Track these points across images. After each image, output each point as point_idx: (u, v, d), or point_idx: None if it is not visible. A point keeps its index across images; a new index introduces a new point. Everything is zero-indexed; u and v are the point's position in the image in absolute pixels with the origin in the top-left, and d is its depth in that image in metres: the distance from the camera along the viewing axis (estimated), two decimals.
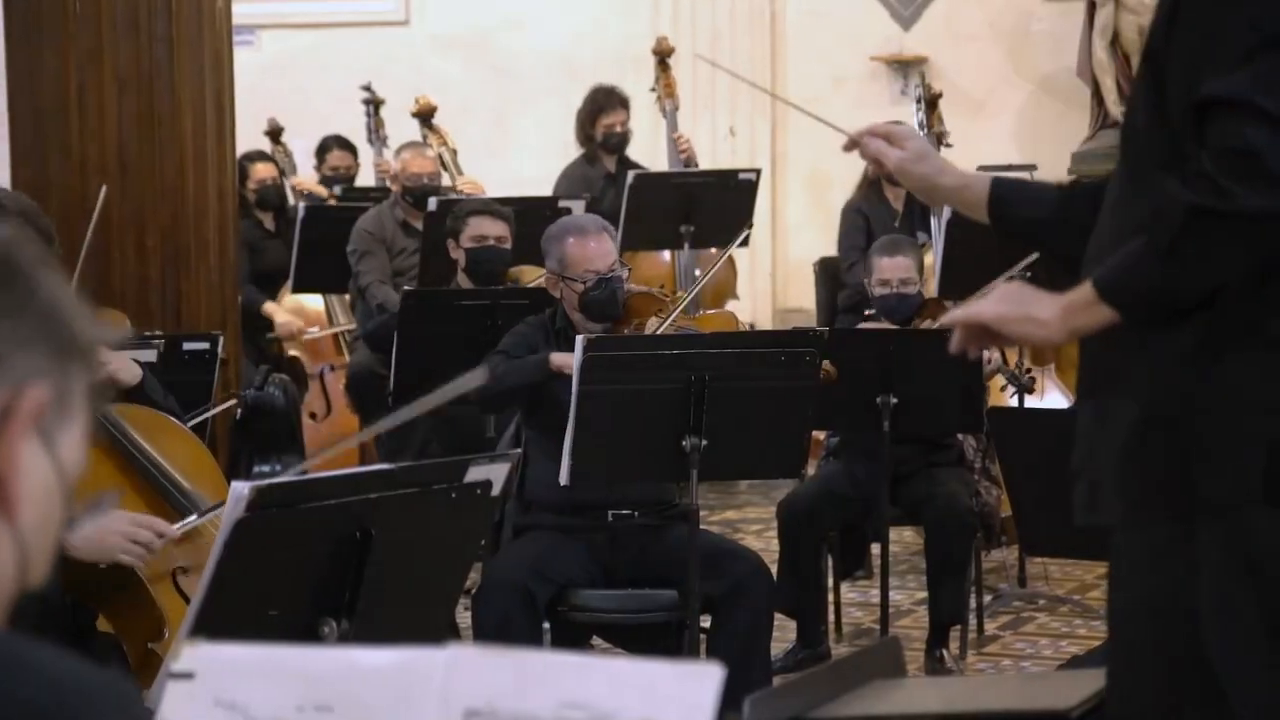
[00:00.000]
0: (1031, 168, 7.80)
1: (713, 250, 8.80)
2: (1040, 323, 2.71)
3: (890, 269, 6.34)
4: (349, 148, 10.21)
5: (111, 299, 6.50)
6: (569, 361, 4.91)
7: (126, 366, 3.83)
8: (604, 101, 8.89)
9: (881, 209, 8.09)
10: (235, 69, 6.88)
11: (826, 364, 5.18)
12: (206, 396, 5.05)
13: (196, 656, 1.63)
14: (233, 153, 6.88)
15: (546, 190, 8.78)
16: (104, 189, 6.22)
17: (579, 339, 4.86)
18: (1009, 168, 8.08)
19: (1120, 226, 2.73)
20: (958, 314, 2.85)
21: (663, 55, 9.34)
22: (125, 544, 3.53)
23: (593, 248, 5.39)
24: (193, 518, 3.64)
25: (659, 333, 5.52)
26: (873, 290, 6.41)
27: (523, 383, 5.24)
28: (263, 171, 9.38)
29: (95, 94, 6.52)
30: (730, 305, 9.06)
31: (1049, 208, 3.00)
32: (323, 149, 10.23)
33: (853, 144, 3.12)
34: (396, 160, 8.29)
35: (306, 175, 10.30)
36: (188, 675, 1.62)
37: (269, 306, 8.85)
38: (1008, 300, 2.77)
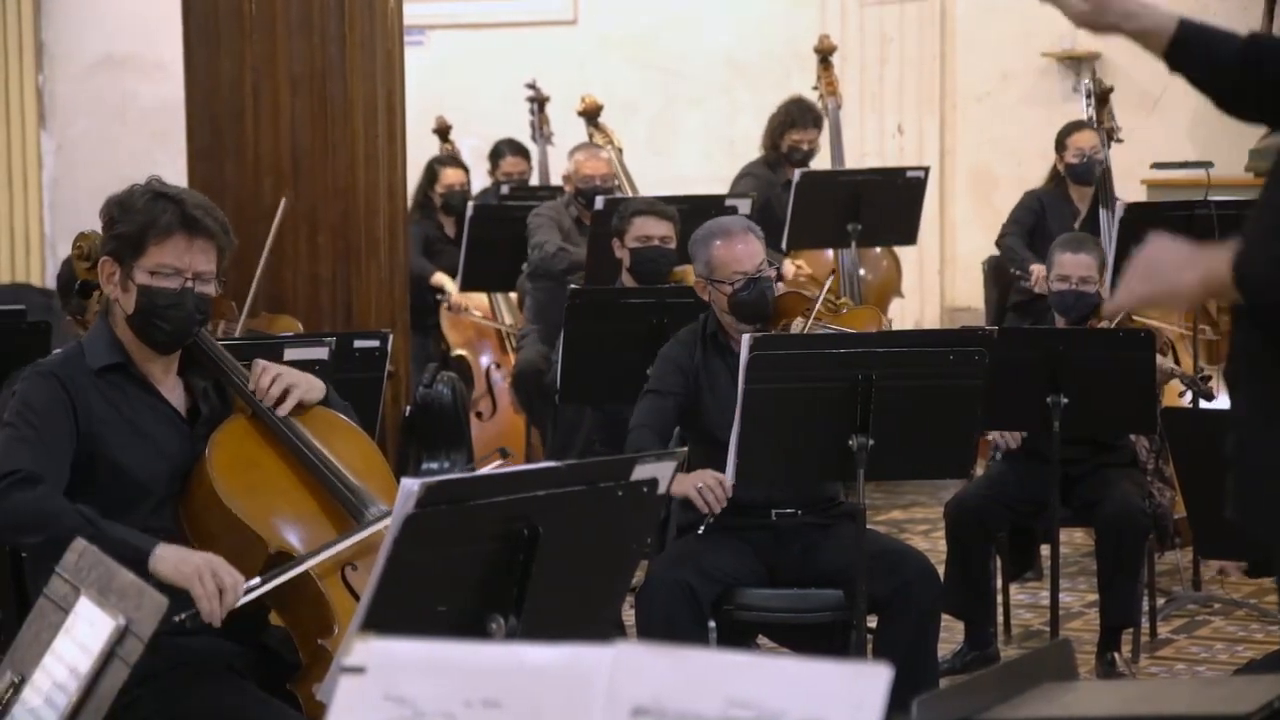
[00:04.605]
0: (1208, 165, 7.64)
1: (877, 250, 8.76)
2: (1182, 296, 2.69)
3: (1072, 265, 6.26)
4: (522, 153, 10.11)
5: (284, 296, 6.59)
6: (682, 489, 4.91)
7: (312, 385, 3.88)
8: (798, 117, 8.84)
9: (1064, 206, 7.98)
10: (405, 68, 6.95)
11: None
12: (377, 394, 5.09)
13: (367, 651, 1.64)
14: (403, 152, 6.95)
15: (709, 189, 8.75)
16: (283, 201, 6.32)
17: (745, 338, 4.84)
18: (1184, 164, 7.93)
19: None
20: (1110, 308, 2.81)
21: (825, 53, 9.29)
22: (199, 581, 3.45)
23: (739, 249, 5.35)
24: (255, 579, 3.56)
25: (803, 331, 5.50)
26: (1051, 285, 6.33)
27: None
28: (452, 177, 9.40)
29: (269, 95, 6.61)
30: (895, 303, 8.99)
31: (1227, 65, 2.92)
32: (496, 154, 10.15)
33: None
34: (570, 161, 8.33)
35: (477, 177, 10.30)
36: (359, 670, 1.63)
37: (439, 277, 8.89)
38: (1147, 276, 2.73)
